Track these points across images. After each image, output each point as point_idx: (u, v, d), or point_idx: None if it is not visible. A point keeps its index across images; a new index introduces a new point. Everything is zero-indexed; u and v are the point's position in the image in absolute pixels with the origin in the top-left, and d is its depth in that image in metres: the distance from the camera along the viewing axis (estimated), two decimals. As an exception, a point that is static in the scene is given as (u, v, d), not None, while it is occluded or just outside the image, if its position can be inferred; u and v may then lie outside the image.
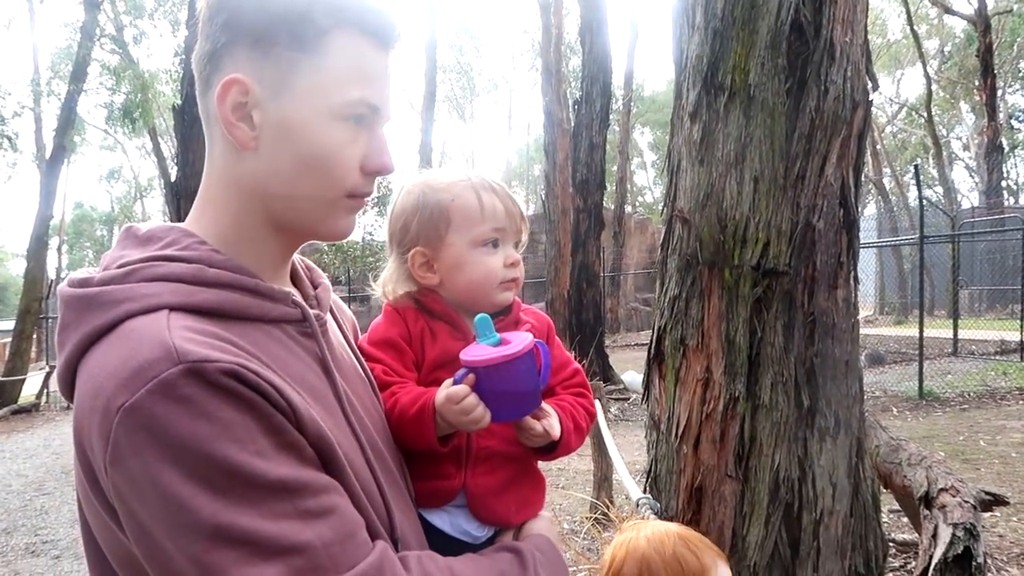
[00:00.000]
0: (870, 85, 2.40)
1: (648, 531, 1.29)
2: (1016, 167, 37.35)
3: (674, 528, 1.30)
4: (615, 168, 29.25)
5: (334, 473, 0.85)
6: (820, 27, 2.26)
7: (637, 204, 47.23)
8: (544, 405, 1.11)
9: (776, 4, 2.26)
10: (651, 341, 2.54)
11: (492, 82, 53.30)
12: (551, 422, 1.10)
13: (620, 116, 29.05)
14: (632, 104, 32.59)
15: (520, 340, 1.04)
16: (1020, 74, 30.44)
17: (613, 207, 27.38)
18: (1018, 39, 28.87)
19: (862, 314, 18.32)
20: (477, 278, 1.16)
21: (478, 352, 1.03)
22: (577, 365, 1.28)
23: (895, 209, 28.79)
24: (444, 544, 1.06)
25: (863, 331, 14.49)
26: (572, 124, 14.57)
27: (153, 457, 0.73)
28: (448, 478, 1.11)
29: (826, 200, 2.29)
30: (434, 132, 24.57)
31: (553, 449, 1.14)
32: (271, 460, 0.78)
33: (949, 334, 14.02)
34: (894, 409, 9.32)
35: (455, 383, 1.03)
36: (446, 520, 1.12)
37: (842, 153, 2.31)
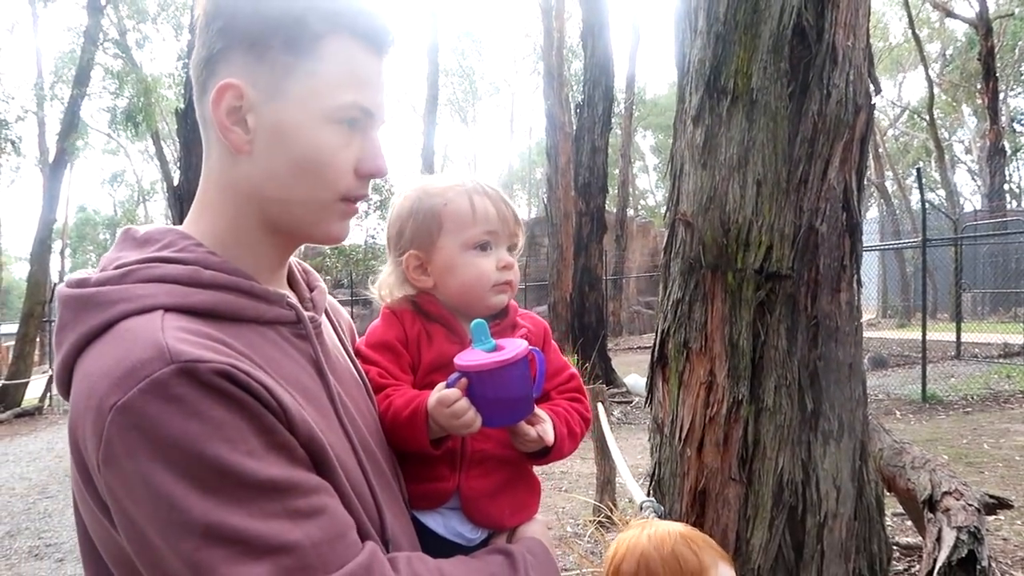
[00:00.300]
0: (872, 89, 2.40)
1: (651, 529, 1.29)
2: (1019, 170, 37.32)
3: (678, 528, 1.29)
4: (617, 171, 29.27)
5: (325, 474, 0.86)
6: (822, 31, 2.26)
7: (639, 207, 47.23)
8: (538, 410, 1.11)
9: (778, 8, 2.26)
10: (654, 344, 2.54)
11: (494, 85, 53.38)
12: (545, 428, 1.10)
13: (622, 119, 29.07)
14: (634, 107, 32.61)
15: (515, 347, 1.05)
16: (1022, 77, 30.42)
17: (615, 210, 27.38)
18: (1020, 43, 28.86)
19: (865, 317, 18.29)
20: (469, 280, 1.16)
21: (472, 357, 1.04)
22: (573, 370, 1.28)
23: (897, 212, 28.78)
24: (438, 546, 1.07)
25: (866, 334, 14.44)
26: (574, 127, 14.57)
27: (145, 456, 0.74)
28: (442, 480, 1.11)
29: (829, 204, 2.29)
30: (436, 136, 24.59)
31: (547, 454, 1.15)
32: (262, 460, 0.78)
33: (952, 337, 13.98)
34: (897, 412, 9.30)
35: (447, 387, 1.04)
36: (440, 522, 1.12)
37: (845, 157, 2.31)
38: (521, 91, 55.38)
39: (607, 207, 16.24)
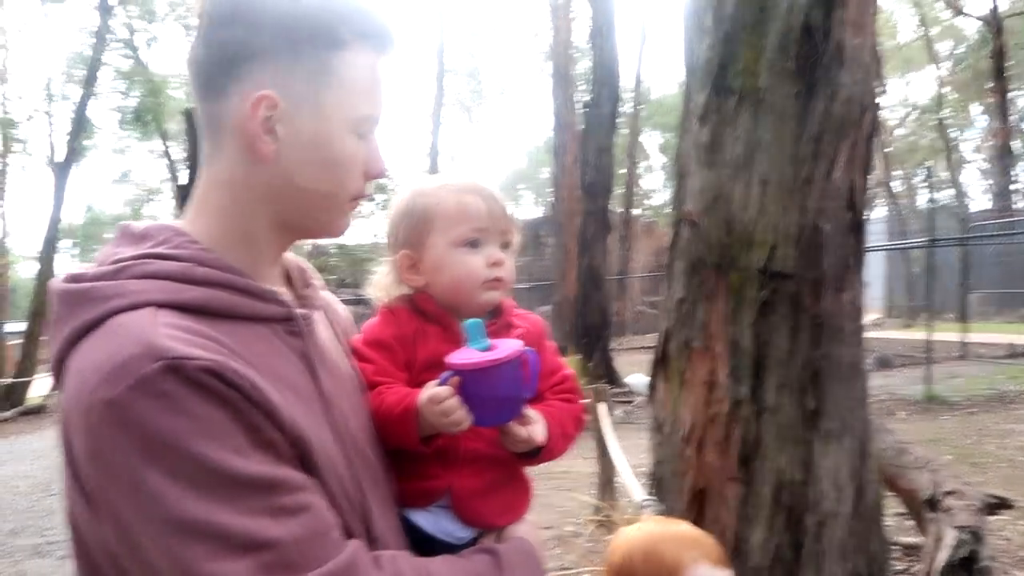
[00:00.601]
0: (879, 88, 2.40)
1: (648, 525, 1.30)
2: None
3: (672, 525, 1.31)
4: (623, 171, 29.24)
5: (312, 471, 0.86)
6: (830, 30, 2.26)
7: (644, 207, 47.13)
8: (530, 411, 1.11)
9: (786, 7, 2.26)
10: (657, 343, 2.55)
11: (502, 85, 53.38)
12: (536, 428, 1.10)
13: (629, 119, 29.07)
14: (641, 107, 32.59)
15: (508, 346, 1.05)
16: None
17: (620, 210, 27.36)
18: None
19: (870, 317, 18.23)
20: (458, 277, 1.17)
21: (464, 356, 1.04)
22: (569, 370, 1.28)
23: (905, 212, 28.68)
24: (427, 545, 1.07)
25: (871, 334, 14.40)
26: (581, 127, 14.57)
27: (130, 451, 0.75)
28: (433, 479, 1.11)
29: (834, 203, 2.29)
30: (443, 135, 24.64)
31: (538, 455, 1.15)
32: (247, 457, 0.79)
33: (957, 337, 13.95)
34: (901, 412, 9.28)
35: (439, 385, 1.04)
36: (430, 521, 1.12)
37: (850, 156, 2.31)
38: (528, 90, 55.38)
39: (612, 206, 16.23)
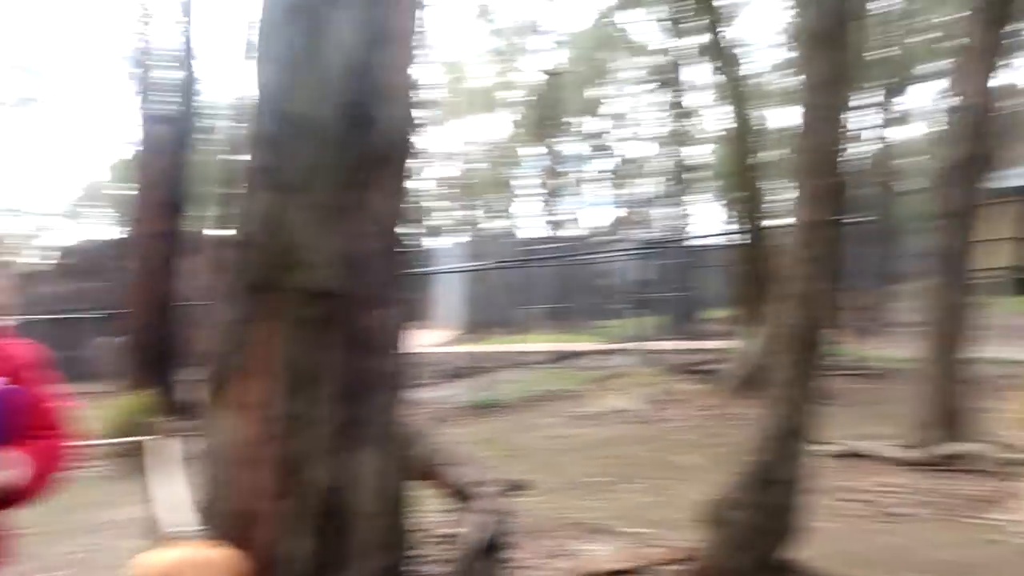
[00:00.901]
0: (416, 125, 2.68)
1: (167, 553, 1.28)
2: (570, 203, 43.99)
3: (197, 550, 1.30)
4: (210, 191, 27.65)
5: None
6: (376, 68, 2.45)
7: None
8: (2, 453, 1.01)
9: (337, 43, 2.40)
10: (209, 367, 2.49)
11: (77, 88, 46.92)
12: (5, 472, 1.01)
13: (217, 137, 27.63)
14: (240, 125, 31.22)
15: None
16: (566, 127, 36.04)
17: (205, 231, 25.78)
18: (567, 95, 34.22)
19: (449, 334, 19.98)
20: None
21: None
22: (60, 404, 1.18)
23: (477, 239, 32.07)
24: None
25: (448, 348, 15.75)
26: (162, 142, 13.51)
27: None
28: None
29: (375, 227, 2.49)
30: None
31: (10, 498, 1.04)
32: None
33: (517, 347, 15.99)
34: (463, 417, 10.37)
35: None
36: None
37: (391, 185, 2.54)
38: (114, 100, 49.43)
39: (196, 227, 15.25)
